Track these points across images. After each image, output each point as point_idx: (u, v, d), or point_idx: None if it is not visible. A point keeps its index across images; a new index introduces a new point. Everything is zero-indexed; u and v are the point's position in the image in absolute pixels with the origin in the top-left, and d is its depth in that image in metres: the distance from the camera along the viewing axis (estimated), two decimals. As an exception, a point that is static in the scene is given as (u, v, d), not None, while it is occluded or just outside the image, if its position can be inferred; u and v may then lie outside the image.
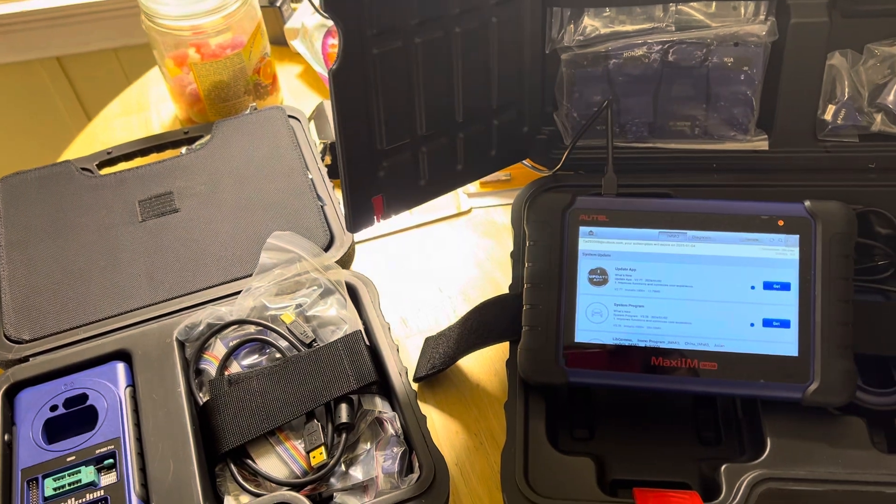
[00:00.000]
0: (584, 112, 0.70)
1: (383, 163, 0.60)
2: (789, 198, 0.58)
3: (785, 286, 0.55)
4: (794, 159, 0.69)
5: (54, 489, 0.56)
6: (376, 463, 0.57)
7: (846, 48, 0.67)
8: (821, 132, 0.68)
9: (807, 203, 0.57)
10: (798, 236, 0.56)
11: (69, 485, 0.56)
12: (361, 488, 0.57)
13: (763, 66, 0.67)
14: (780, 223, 0.56)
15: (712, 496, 0.53)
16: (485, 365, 0.68)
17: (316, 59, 0.97)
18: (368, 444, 0.59)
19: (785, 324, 0.55)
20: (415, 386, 0.67)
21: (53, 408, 0.61)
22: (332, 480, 0.57)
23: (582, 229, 0.58)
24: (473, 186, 0.84)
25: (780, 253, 0.56)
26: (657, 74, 0.68)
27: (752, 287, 0.56)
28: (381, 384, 0.62)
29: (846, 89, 0.68)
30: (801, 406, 0.54)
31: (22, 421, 0.60)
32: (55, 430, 0.60)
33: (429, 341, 0.69)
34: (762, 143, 0.69)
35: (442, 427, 0.64)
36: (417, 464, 0.56)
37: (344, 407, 0.59)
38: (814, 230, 0.56)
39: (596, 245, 0.58)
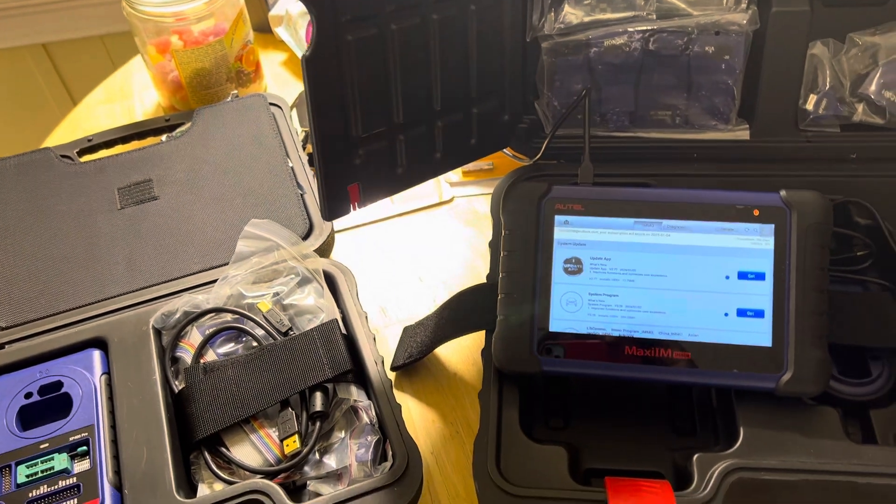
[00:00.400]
0: (565, 101, 0.69)
1: (359, 150, 0.60)
2: (771, 188, 0.58)
3: (759, 276, 0.55)
4: (775, 149, 0.68)
5: (27, 476, 0.56)
6: (350, 451, 0.57)
7: (828, 37, 0.67)
8: (802, 122, 0.68)
9: (782, 192, 0.56)
10: (773, 226, 0.56)
11: (42, 472, 0.56)
12: (335, 476, 0.57)
13: (744, 55, 0.66)
14: (756, 213, 0.56)
15: (685, 486, 0.52)
16: (462, 354, 0.68)
17: (300, 47, 0.96)
18: (343, 432, 0.59)
19: (759, 314, 0.55)
20: (392, 375, 0.67)
21: (28, 395, 0.60)
22: (306, 468, 0.57)
23: (557, 218, 0.58)
24: (456, 175, 0.84)
25: (755, 243, 0.56)
26: (638, 63, 0.67)
27: (727, 277, 0.55)
28: (357, 373, 0.62)
29: (828, 79, 0.67)
30: (774, 396, 0.54)
31: (-4, 408, 0.60)
32: (29, 417, 0.60)
33: (407, 330, 0.68)
34: (743, 133, 0.69)
35: (418, 416, 0.64)
36: (391, 452, 0.56)
37: (318, 395, 0.59)
38: (789, 220, 0.56)
39: (571, 234, 0.58)
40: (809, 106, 0.68)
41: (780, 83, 0.67)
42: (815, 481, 0.51)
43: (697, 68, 0.67)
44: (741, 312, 0.55)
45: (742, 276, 0.55)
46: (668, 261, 0.56)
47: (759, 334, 0.54)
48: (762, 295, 0.55)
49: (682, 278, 0.56)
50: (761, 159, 0.68)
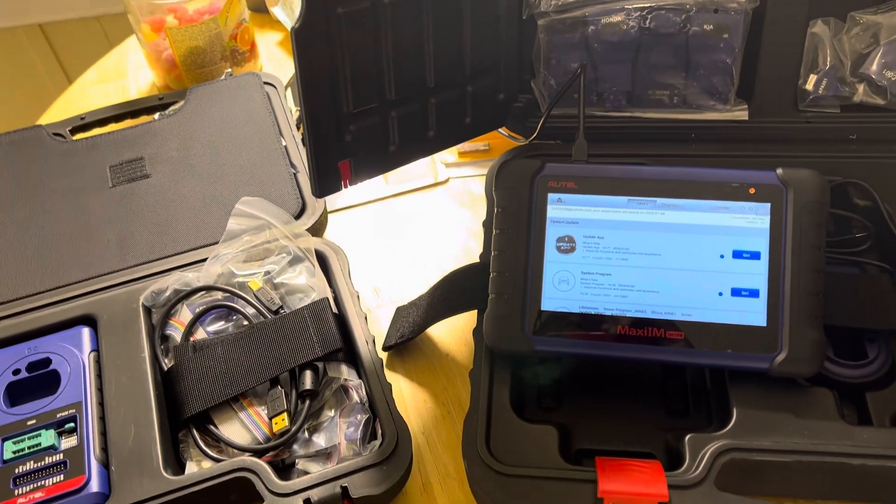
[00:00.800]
0: (562, 79, 0.68)
1: (350, 126, 0.59)
2: (769, 168, 0.57)
3: (755, 255, 0.54)
4: (774, 130, 0.68)
5: (13, 452, 0.55)
6: (339, 430, 0.57)
7: (829, 16, 0.66)
8: (801, 102, 0.67)
9: (779, 171, 0.55)
10: (769, 204, 0.55)
11: (28, 448, 0.55)
12: (324, 455, 0.57)
13: (743, 33, 0.65)
14: (752, 191, 0.55)
15: (677, 466, 0.52)
16: (454, 334, 0.67)
17: (296, 27, 0.95)
18: (332, 411, 0.58)
19: (754, 293, 0.54)
20: (384, 355, 0.66)
21: (16, 372, 0.60)
22: (295, 447, 0.57)
23: (550, 196, 0.57)
24: (451, 156, 0.83)
25: (750, 221, 0.55)
26: (635, 41, 0.67)
27: (721, 256, 0.55)
28: (348, 352, 0.61)
29: (828, 58, 0.66)
30: (768, 377, 0.54)
31: (-16, 384, 0.60)
32: (17, 393, 0.60)
33: (400, 310, 0.68)
34: (742, 113, 0.68)
35: (410, 396, 0.64)
36: (381, 431, 0.56)
37: (308, 374, 0.58)
38: (785, 198, 0.55)
39: (564, 212, 0.57)
40: (809, 86, 0.67)
41: (779, 63, 0.66)
42: (808, 462, 0.51)
43: (696, 47, 0.66)
44: (736, 292, 0.54)
45: (737, 255, 0.55)
46: (662, 239, 0.55)
47: (753, 314, 0.54)
48: (757, 274, 0.54)
49: (676, 257, 0.55)
50: (760, 140, 0.67)
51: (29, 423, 0.57)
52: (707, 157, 0.67)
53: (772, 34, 0.65)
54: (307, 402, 0.57)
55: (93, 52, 1.33)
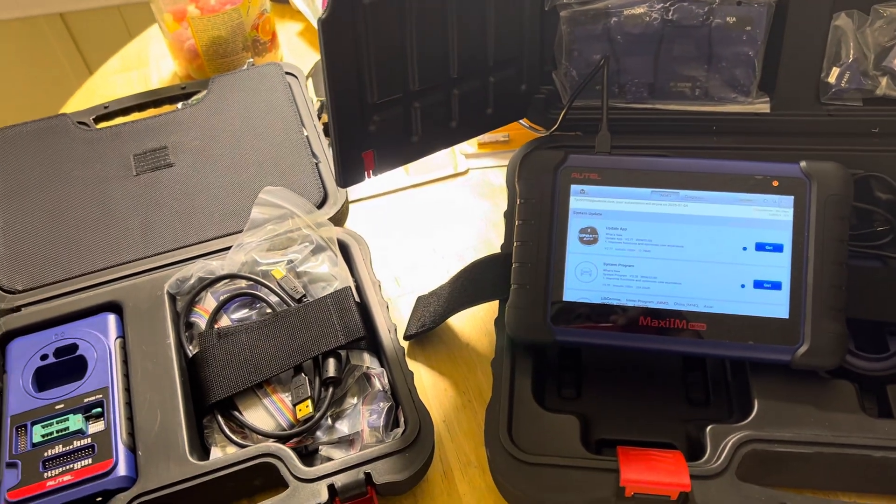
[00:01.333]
0: (584, 71, 0.69)
1: (374, 117, 0.60)
2: (790, 161, 0.57)
3: (777, 247, 0.55)
4: (795, 122, 0.67)
5: (42, 436, 0.56)
6: (362, 417, 0.57)
7: (852, 9, 0.65)
8: (824, 95, 0.67)
9: (802, 164, 0.55)
10: (792, 197, 0.55)
11: (57, 432, 0.56)
12: (347, 442, 0.57)
13: (766, 26, 0.65)
14: (775, 184, 0.55)
15: (697, 457, 0.52)
16: (475, 324, 0.68)
17: (316, 16, 0.95)
18: (355, 398, 0.59)
19: (776, 285, 0.54)
20: (404, 344, 0.67)
21: (44, 357, 0.61)
22: (318, 433, 0.57)
23: (573, 187, 0.57)
24: (471, 147, 0.83)
25: (773, 214, 0.55)
26: (658, 33, 0.67)
27: (744, 248, 0.55)
28: (370, 340, 0.62)
29: (851, 51, 0.66)
30: (790, 369, 0.54)
31: (13, 369, 0.60)
32: (45, 378, 0.61)
33: (420, 300, 0.68)
34: (764, 106, 0.68)
35: (430, 384, 0.64)
36: (403, 418, 0.56)
37: (332, 361, 0.59)
38: (809, 191, 0.55)
39: (587, 203, 0.57)
40: (832, 79, 0.67)
41: (802, 55, 0.66)
42: (829, 454, 0.51)
43: (718, 39, 0.66)
44: (758, 284, 0.54)
45: (760, 247, 0.55)
46: (685, 231, 0.55)
47: (775, 306, 0.54)
48: (780, 267, 0.54)
49: (699, 249, 0.55)
50: (781, 133, 0.67)
51: (57, 407, 0.58)
52: (728, 150, 0.67)
53: (795, 27, 0.65)
54: (330, 390, 0.58)
55: (113, 42, 1.34)
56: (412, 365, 0.64)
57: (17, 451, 0.56)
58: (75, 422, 0.57)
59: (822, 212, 0.54)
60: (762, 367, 0.55)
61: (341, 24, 0.54)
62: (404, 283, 0.73)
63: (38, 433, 0.56)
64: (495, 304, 0.62)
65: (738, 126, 0.68)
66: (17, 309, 0.65)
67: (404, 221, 0.78)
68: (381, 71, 0.58)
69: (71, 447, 0.56)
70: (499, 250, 0.65)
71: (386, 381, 0.60)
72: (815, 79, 0.67)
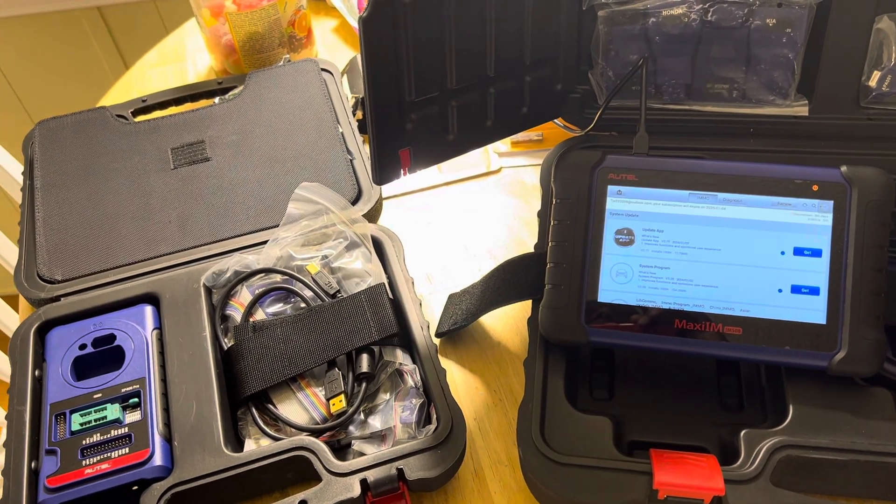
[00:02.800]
0: (620, 71, 0.68)
1: (412, 115, 0.60)
2: (828, 165, 0.56)
3: (816, 252, 0.54)
4: (834, 126, 0.67)
5: (80, 424, 0.57)
6: (395, 413, 0.58)
7: (895, 12, 0.65)
8: (864, 99, 0.66)
9: (843, 168, 0.55)
10: (832, 202, 0.54)
11: (95, 420, 0.57)
12: (379, 437, 0.58)
13: (807, 28, 0.64)
14: (815, 188, 0.55)
15: (731, 461, 0.52)
16: (507, 323, 0.68)
17: (351, 13, 0.96)
18: (388, 394, 0.59)
19: (814, 291, 0.54)
20: (436, 341, 0.67)
21: (82, 346, 0.62)
22: (351, 428, 0.58)
23: (610, 188, 0.57)
24: (504, 146, 0.84)
25: (812, 218, 0.55)
26: (696, 34, 0.66)
27: (782, 252, 0.54)
28: (403, 337, 0.62)
29: (893, 55, 0.65)
30: (826, 375, 0.53)
31: (52, 358, 0.62)
32: (83, 367, 0.62)
33: (452, 298, 0.68)
34: (802, 109, 0.67)
35: (462, 382, 0.65)
36: (435, 416, 0.57)
37: (365, 357, 0.60)
38: (849, 196, 0.54)
39: (624, 205, 0.57)
40: (872, 83, 0.66)
41: (842, 58, 0.65)
42: (865, 462, 0.51)
43: (757, 41, 0.66)
44: (796, 289, 0.54)
45: (798, 252, 0.54)
46: (723, 234, 0.55)
47: (813, 311, 0.53)
48: (818, 272, 0.54)
49: (737, 253, 0.55)
50: (820, 136, 0.67)
51: (95, 396, 0.59)
52: (765, 153, 0.66)
53: (836, 29, 0.64)
54: (364, 385, 0.59)
55: (149, 36, 1.36)
56: (444, 362, 0.64)
57: (56, 438, 0.57)
58: (113, 411, 0.58)
59: (863, 217, 0.54)
60: (797, 373, 0.55)
61: (382, 23, 0.54)
62: (436, 280, 0.73)
63: (76, 421, 0.57)
64: (527, 303, 0.62)
65: (776, 129, 0.68)
66: (57, 299, 0.66)
67: (436, 219, 0.78)
68: (420, 69, 0.58)
69: (108, 436, 0.56)
70: (531, 249, 0.65)
71: (418, 377, 0.60)
72: (855, 82, 0.66)
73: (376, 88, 0.56)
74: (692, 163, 0.57)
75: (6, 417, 0.58)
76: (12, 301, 1.02)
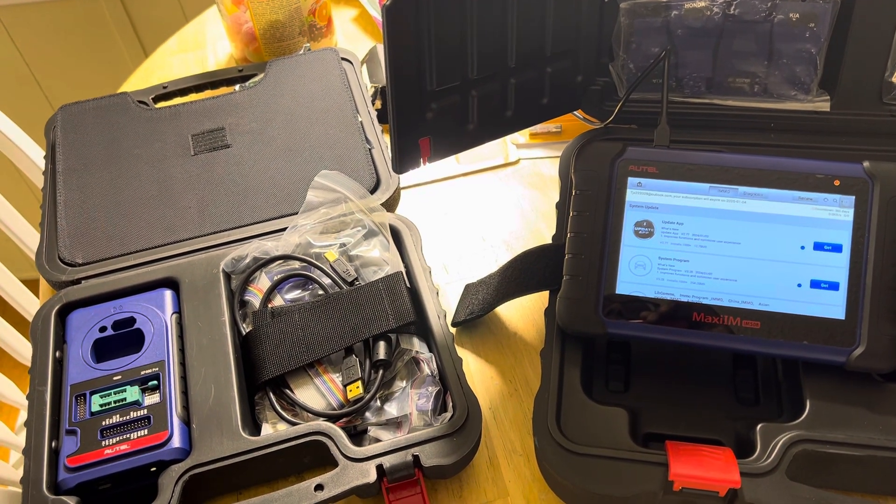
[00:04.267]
0: (641, 64, 0.68)
1: (432, 104, 0.60)
2: (853, 161, 0.56)
3: (836, 248, 0.54)
4: (856, 122, 0.66)
5: (100, 405, 0.58)
6: (411, 400, 0.58)
7: (921, 7, 0.64)
8: (887, 95, 0.66)
9: (865, 164, 0.55)
10: (854, 197, 0.54)
11: (115, 402, 0.58)
12: (395, 424, 0.58)
13: (830, 23, 0.64)
14: (836, 183, 0.55)
15: (746, 455, 0.52)
16: (523, 314, 0.68)
17: (371, 3, 0.96)
18: (404, 382, 0.60)
19: (833, 286, 0.54)
20: (453, 330, 0.67)
21: (102, 329, 0.63)
22: (367, 414, 0.58)
23: (630, 180, 0.57)
24: (523, 137, 0.84)
25: (833, 213, 0.54)
26: (718, 28, 0.66)
27: (802, 247, 0.54)
28: (420, 325, 0.62)
29: (917, 51, 0.65)
30: (844, 370, 0.53)
31: (72, 340, 0.62)
32: (103, 350, 0.62)
33: (469, 288, 0.69)
34: (824, 104, 0.67)
35: (477, 372, 0.65)
36: (451, 404, 0.57)
37: (382, 344, 0.60)
38: (871, 192, 0.54)
39: (644, 197, 0.57)
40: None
41: (866, 54, 0.65)
42: (882, 458, 0.50)
43: (780, 35, 0.65)
44: (815, 284, 0.54)
45: (818, 246, 0.54)
46: (743, 228, 0.55)
47: (832, 307, 0.53)
48: (838, 267, 0.54)
49: (756, 246, 0.55)
50: (841, 132, 0.66)
51: (115, 378, 0.59)
52: (786, 148, 0.66)
53: (860, 25, 0.64)
54: (380, 372, 0.59)
55: (169, 23, 1.37)
56: (460, 352, 0.64)
57: (76, 418, 0.57)
58: (132, 393, 0.58)
59: (885, 213, 0.54)
60: (815, 368, 0.55)
61: (405, 11, 0.54)
62: (452, 270, 0.73)
63: (96, 402, 0.58)
64: (543, 295, 0.62)
65: (797, 124, 0.67)
66: (77, 281, 0.67)
67: (454, 209, 0.78)
68: (442, 58, 0.59)
69: (128, 417, 0.57)
70: (548, 241, 0.65)
71: (434, 366, 0.60)
72: (878, 78, 0.65)
73: (398, 77, 0.56)
74: (713, 156, 0.57)
75: (27, 397, 0.59)
76: (32, 286, 1.03)
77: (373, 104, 0.80)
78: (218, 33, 0.99)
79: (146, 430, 0.56)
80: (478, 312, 0.66)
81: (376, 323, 0.60)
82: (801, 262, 0.54)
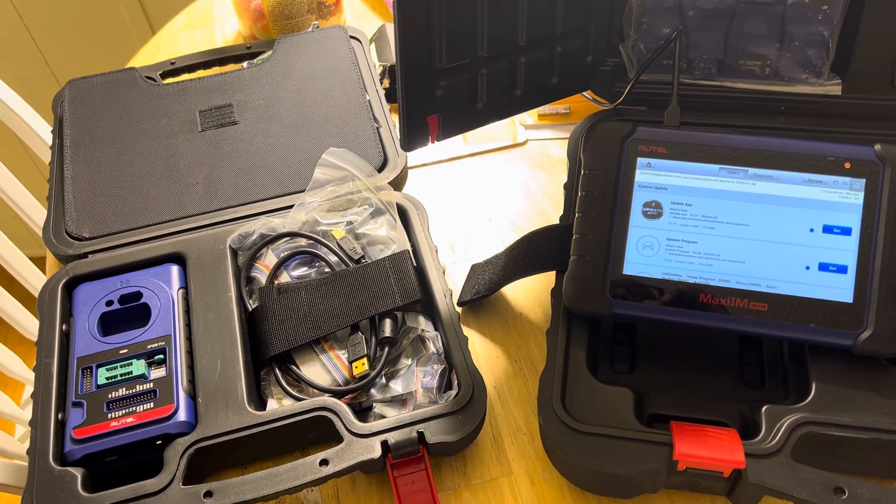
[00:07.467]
0: (652, 45, 0.68)
1: (441, 82, 0.60)
2: (865, 144, 0.56)
3: (846, 231, 0.54)
4: (867, 106, 0.66)
5: (107, 378, 0.58)
6: (416, 378, 0.58)
7: (935, -9, 0.64)
8: (899, 79, 0.65)
9: (877, 147, 0.54)
10: (864, 180, 0.54)
11: (121, 375, 0.58)
12: (400, 401, 0.58)
13: (843, 5, 0.63)
14: (847, 166, 0.54)
15: (751, 437, 0.52)
16: (529, 295, 0.68)
17: (381, -18, 0.95)
18: (410, 359, 0.60)
19: (842, 269, 0.53)
20: (459, 309, 0.67)
21: (109, 303, 0.63)
22: (373, 391, 0.58)
23: (640, 160, 0.57)
24: (531, 118, 0.83)
25: (843, 196, 0.54)
26: (730, 9, 0.65)
27: (811, 230, 0.54)
28: (426, 304, 0.62)
29: (931, 35, 0.64)
30: (850, 354, 0.53)
31: (79, 313, 0.62)
32: (110, 323, 0.62)
33: (475, 268, 0.69)
34: (835, 88, 0.66)
35: (483, 351, 0.65)
36: (456, 382, 0.57)
37: (388, 322, 0.60)
38: (882, 175, 0.54)
39: (653, 177, 0.57)
40: (908, 63, 0.65)
41: (879, 38, 0.64)
42: (887, 441, 0.51)
43: (792, 18, 0.65)
44: (823, 266, 0.54)
45: (827, 229, 0.54)
46: (752, 210, 0.55)
47: (840, 290, 0.53)
48: (847, 250, 0.54)
49: (765, 229, 0.55)
50: (852, 116, 0.66)
51: (121, 351, 0.60)
52: (796, 131, 0.66)
53: (874, 8, 0.63)
54: (386, 349, 0.59)
55: (176, 0, 1.36)
56: (466, 331, 0.64)
57: (82, 391, 0.58)
58: (138, 367, 0.58)
59: (895, 196, 0.53)
60: (821, 351, 0.55)
61: (417, -15, 0.54)
62: (459, 250, 0.73)
63: (102, 375, 0.58)
64: (550, 275, 0.62)
65: (807, 108, 0.67)
66: (84, 255, 0.67)
67: (461, 189, 0.78)
68: (451, 35, 0.58)
69: (134, 391, 0.57)
70: (555, 222, 0.65)
71: (440, 344, 0.60)
72: (890, 62, 0.65)
73: (407, 53, 0.56)
74: (723, 137, 0.57)
75: (34, 369, 0.59)
76: (39, 263, 1.03)
77: (381, 83, 0.80)
78: (226, 10, 0.98)
79: (152, 404, 0.57)
80: (484, 292, 0.66)
81: (382, 301, 0.60)
82: (809, 245, 0.54)
